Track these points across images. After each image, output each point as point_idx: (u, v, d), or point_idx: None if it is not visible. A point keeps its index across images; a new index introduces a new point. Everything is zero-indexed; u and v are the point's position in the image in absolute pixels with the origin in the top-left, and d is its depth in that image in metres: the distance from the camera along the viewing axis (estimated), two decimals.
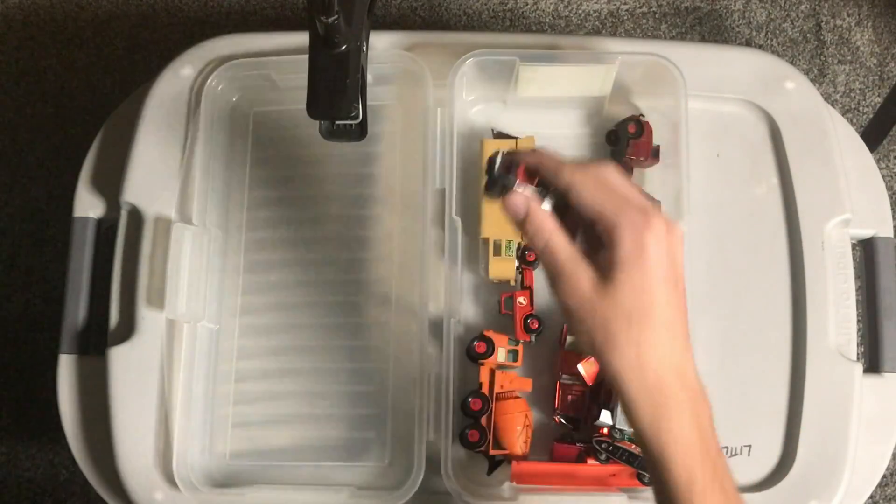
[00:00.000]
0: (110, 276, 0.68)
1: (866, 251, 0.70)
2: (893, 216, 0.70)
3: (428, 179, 0.65)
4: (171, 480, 0.63)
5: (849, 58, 1.31)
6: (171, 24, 1.34)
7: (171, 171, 0.69)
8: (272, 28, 0.78)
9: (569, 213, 0.46)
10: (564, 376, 0.63)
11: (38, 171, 1.28)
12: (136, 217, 0.69)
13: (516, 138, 0.67)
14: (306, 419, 0.66)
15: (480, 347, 0.63)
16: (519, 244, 0.65)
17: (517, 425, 0.61)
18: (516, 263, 0.65)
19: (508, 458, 0.62)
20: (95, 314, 0.70)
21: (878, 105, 1.20)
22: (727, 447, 0.63)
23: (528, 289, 0.65)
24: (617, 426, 0.61)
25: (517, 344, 0.63)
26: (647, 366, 0.43)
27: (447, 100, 0.65)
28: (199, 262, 0.66)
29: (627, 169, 0.66)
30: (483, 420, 0.61)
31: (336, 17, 0.50)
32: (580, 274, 0.44)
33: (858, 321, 0.66)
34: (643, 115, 0.68)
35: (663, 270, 0.43)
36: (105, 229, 0.72)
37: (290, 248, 0.69)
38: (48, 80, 1.31)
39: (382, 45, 0.70)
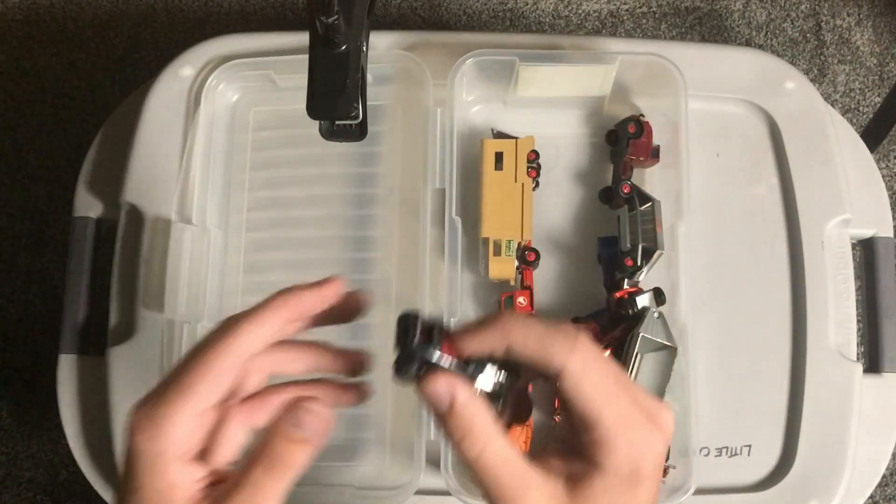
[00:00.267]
0: (110, 276, 0.68)
1: (866, 251, 0.70)
2: (893, 216, 0.70)
3: (428, 179, 0.65)
4: None
5: (849, 58, 1.31)
6: (171, 24, 1.34)
7: (170, 171, 0.69)
8: (272, 28, 0.78)
9: (513, 389, 0.36)
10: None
11: (38, 171, 1.28)
12: (135, 217, 0.69)
13: (516, 138, 0.67)
14: None
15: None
16: (519, 244, 0.65)
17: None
18: (516, 263, 0.65)
19: None
20: (95, 314, 0.70)
21: (878, 105, 1.20)
22: (727, 447, 0.63)
23: (527, 289, 0.65)
24: None
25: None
26: None
27: (447, 100, 0.65)
28: (198, 262, 0.66)
29: (627, 169, 0.66)
30: None
31: (336, 17, 0.50)
32: (532, 496, 0.34)
33: (858, 321, 0.66)
34: (643, 115, 0.68)
35: (651, 496, 0.35)
36: (105, 229, 0.72)
37: (289, 248, 0.69)
38: (48, 80, 1.31)
39: (382, 45, 0.71)
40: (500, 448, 0.34)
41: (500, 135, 0.68)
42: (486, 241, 0.65)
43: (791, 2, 1.33)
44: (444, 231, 0.64)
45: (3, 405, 1.21)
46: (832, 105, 0.74)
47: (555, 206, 0.69)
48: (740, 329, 0.66)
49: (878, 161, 1.25)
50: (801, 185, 0.67)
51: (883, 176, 0.71)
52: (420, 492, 0.60)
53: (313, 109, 0.54)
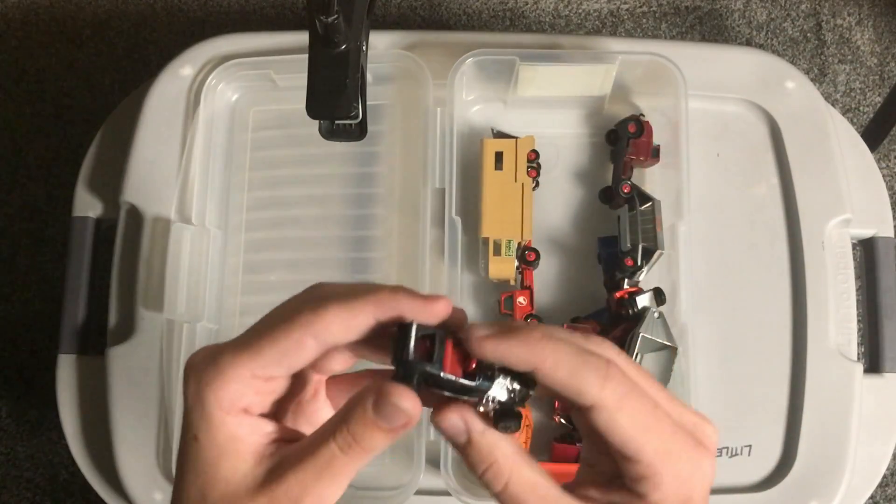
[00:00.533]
0: (109, 276, 0.68)
1: (866, 251, 0.70)
2: (894, 216, 0.70)
3: (428, 179, 0.65)
4: (171, 480, 0.63)
5: (849, 57, 1.30)
6: (171, 24, 1.34)
7: (170, 170, 0.68)
8: (272, 28, 0.78)
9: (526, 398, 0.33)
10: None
11: (38, 171, 1.27)
12: (135, 217, 0.69)
13: (516, 138, 0.67)
14: None
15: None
16: (519, 244, 0.64)
17: None
18: (516, 263, 0.65)
19: None
20: (95, 314, 0.70)
21: (879, 104, 1.20)
22: (728, 447, 0.63)
23: (527, 288, 0.65)
24: None
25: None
26: None
27: (447, 99, 0.65)
28: (198, 262, 0.66)
29: (627, 169, 0.66)
30: None
31: (336, 16, 0.50)
32: None
33: (859, 321, 0.66)
34: (643, 115, 0.68)
35: None
36: (104, 229, 0.72)
37: (289, 248, 0.69)
38: (48, 80, 1.31)
39: (382, 45, 0.70)
40: (527, 476, 0.32)
41: (500, 134, 0.68)
42: (486, 240, 0.65)
43: (791, 1, 1.33)
44: (444, 231, 0.64)
45: (3, 405, 1.21)
46: (833, 105, 0.74)
47: (555, 205, 0.69)
48: (740, 329, 0.66)
49: (878, 161, 1.25)
50: (801, 185, 0.67)
51: (883, 176, 0.71)
52: (420, 492, 0.60)
53: (313, 109, 0.54)
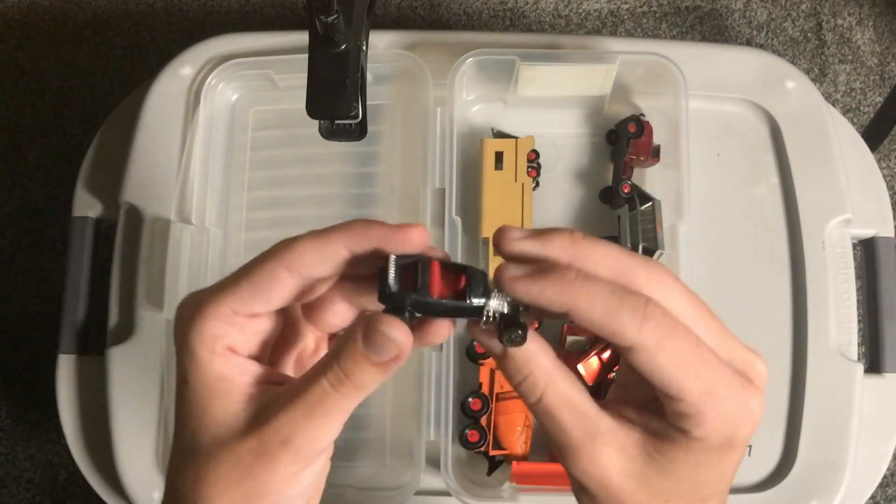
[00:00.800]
0: (109, 276, 0.68)
1: (867, 251, 0.70)
2: (894, 216, 0.70)
3: (428, 179, 0.65)
4: None
5: (850, 57, 1.30)
6: (171, 24, 1.34)
7: (170, 170, 0.68)
8: (272, 27, 0.78)
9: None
10: None
11: (38, 171, 1.27)
12: (135, 217, 0.68)
13: (516, 138, 0.67)
14: None
15: (480, 347, 0.62)
16: None
17: (517, 425, 0.61)
18: None
19: (508, 459, 0.61)
20: (94, 314, 0.70)
21: (879, 104, 1.20)
22: None
23: None
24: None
25: None
26: None
27: (447, 99, 0.65)
28: (198, 261, 0.66)
29: (628, 168, 0.66)
30: (483, 420, 0.61)
31: (335, 16, 0.50)
32: (600, 446, 0.31)
33: (859, 321, 0.66)
34: (643, 115, 0.68)
35: (741, 458, 0.32)
36: (104, 229, 0.72)
37: None
38: (48, 80, 1.31)
39: (382, 45, 0.70)
40: (563, 388, 0.31)
41: (500, 134, 0.68)
42: (486, 240, 0.65)
43: (792, 1, 1.33)
44: (444, 231, 0.64)
45: (2, 405, 1.21)
46: (833, 105, 0.74)
47: (555, 205, 0.69)
48: (740, 329, 0.65)
49: (878, 161, 1.25)
50: (801, 185, 0.67)
51: (884, 176, 0.71)
52: (420, 492, 0.60)
53: (313, 109, 0.54)
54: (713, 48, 0.75)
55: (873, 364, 0.67)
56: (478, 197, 0.66)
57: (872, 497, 0.69)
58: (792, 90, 0.70)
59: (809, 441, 0.62)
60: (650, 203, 0.63)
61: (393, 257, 0.31)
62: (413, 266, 0.31)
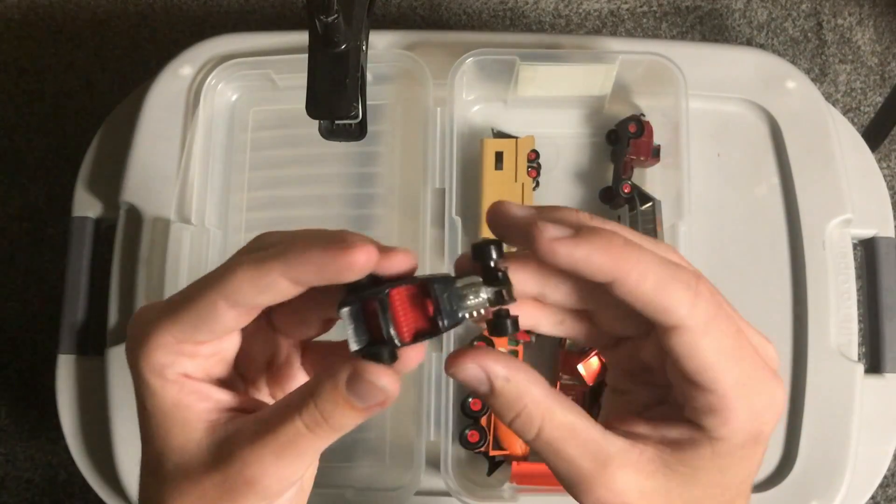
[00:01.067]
0: (109, 276, 0.68)
1: (867, 251, 0.70)
2: (894, 216, 0.70)
3: (428, 179, 0.65)
4: None
5: (850, 57, 1.30)
6: (170, 24, 1.33)
7: (169, 170, 0.68)
8: (272, 27, 0.78)
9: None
10: (565, 377, 0.63)
11: (37, 171, 1.27)
12: (134, 217, 0.68)
13: (516, 138, 0.67)
14: None
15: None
16: None
17: None
18: None
19: (508, 459, 0.61)
20: (94, 314, 0.70)
21: (880, 104, 1.20)
22: None
23: None
24: None
25: (517, 344, 0.63)
26: None
27: (447, 99, 0.65)
28: (198, 262, 0.66)
29: (628, 168, 0.66)
30: (483, 420, 0.61)
31: (335, 15, 0.50)
32: (615, 471, 0.28)
33: (859, 321, 0.66)
34: (644, 115, 0.68)
35: (764, 453, 0.30)
36: (104, 229, 0.72)
37: None
38: (47, 79, 1.31)
39: (382, 45, 0.70)
40: (562, 419, 0.28)
41: (500, 134, 0.68)
42: None
43: (792, 1, 1.33)
44: (444, 231, 0.63)
45: (2, 405, 1.21)
46: (833, 105, 0.74)
47: None
48: None
49: (879, 161, 1.25)
50: (802, 185, 0.67)
51: (884, 176, 0.71)
52: (420, 493, 0.60)
53: (313, 109, 0.54)
54: (713, 48, 0.75)
55: (873, 364, 0.67)
56: (478, 197, 0.66)
57: (873, 497, 0.69)
58: (792, 90, 0.69)
59: (810, 441, 0.62)
60: (650, 203, 0.63)
61: (346, 309, 0.28)
62: (372, 302, 0.28)
